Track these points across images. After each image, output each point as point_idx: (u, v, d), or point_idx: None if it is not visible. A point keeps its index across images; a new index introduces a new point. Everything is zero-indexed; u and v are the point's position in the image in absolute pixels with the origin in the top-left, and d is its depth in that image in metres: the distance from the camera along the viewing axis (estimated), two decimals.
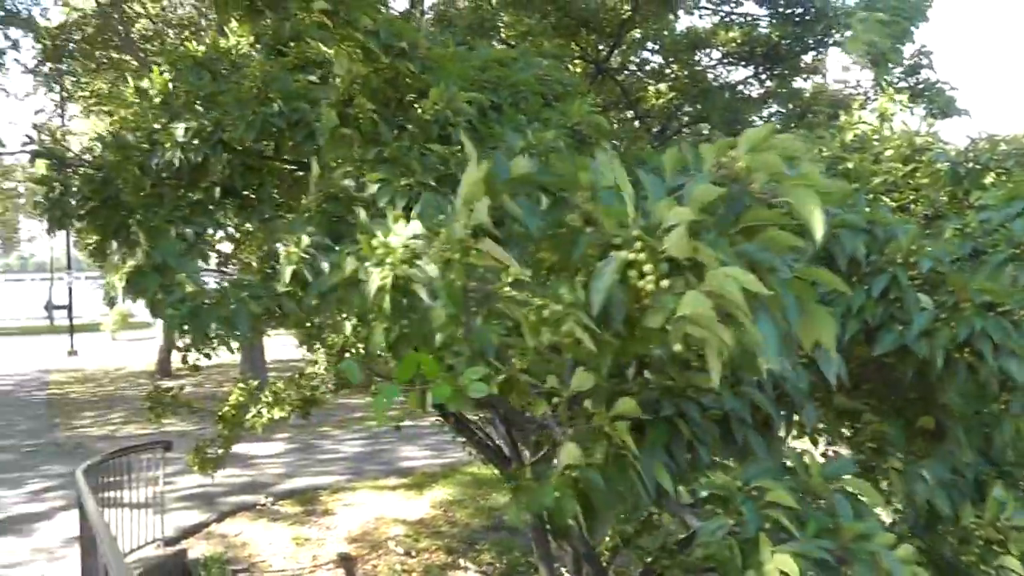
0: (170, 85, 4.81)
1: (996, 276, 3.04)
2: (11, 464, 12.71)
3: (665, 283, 1.64)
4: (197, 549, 8.35)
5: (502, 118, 4.51)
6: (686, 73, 12.13)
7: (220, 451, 7.25)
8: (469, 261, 2.13)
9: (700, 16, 12.95)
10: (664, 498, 2.43)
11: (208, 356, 6.91)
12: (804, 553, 1.97)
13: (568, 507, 2.37)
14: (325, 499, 9.73)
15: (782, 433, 2.78)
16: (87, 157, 4.97)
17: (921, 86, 9.08)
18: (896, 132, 5.43)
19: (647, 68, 12.75)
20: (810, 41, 11.96)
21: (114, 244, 4.96)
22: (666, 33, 11.84)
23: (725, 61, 12.99)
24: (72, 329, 29.91)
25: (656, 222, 1.69)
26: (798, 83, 13.12)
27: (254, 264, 5.99)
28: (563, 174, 2.05)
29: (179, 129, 4.25)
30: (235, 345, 4.06)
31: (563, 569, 6.49)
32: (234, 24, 5.47)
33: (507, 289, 2.26)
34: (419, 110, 4.03)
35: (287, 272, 3.45)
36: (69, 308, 31.53)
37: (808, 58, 12.96)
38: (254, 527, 8.81)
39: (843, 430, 3.34)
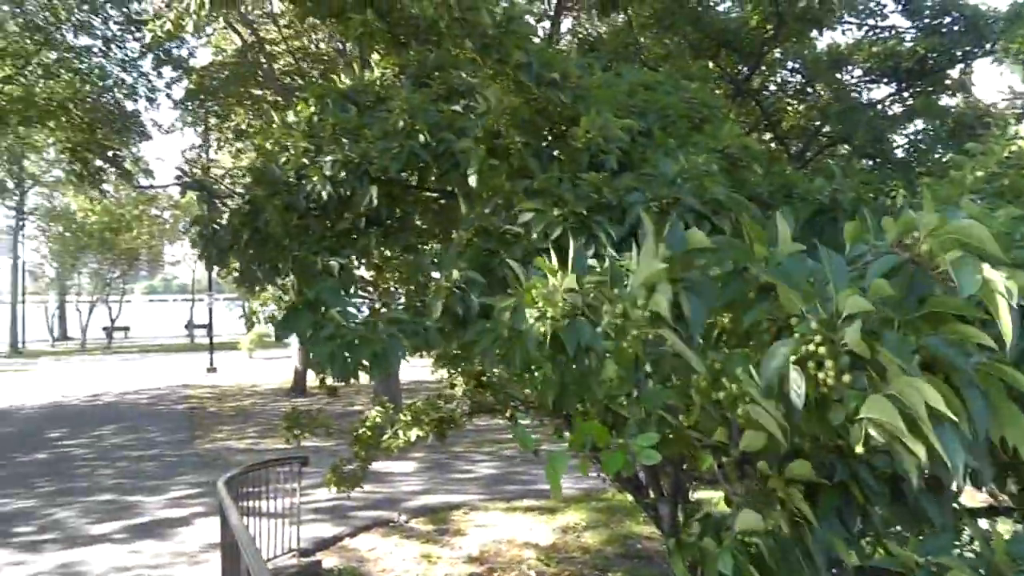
0: (315, 118, 4.87)
1: None
2: (154, 472, 13.36)
3: (846, 378, 1.55)
4: (330, 561, 8.51)
5: (651, 143, 4.37)
6: (828, 92, 11.68)
7: (357, 470, 7.33)
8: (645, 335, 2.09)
9: (843, 32, 12.46)
10: (838, 568, 2.29)
11: (345, 381, 7.05)
12: None
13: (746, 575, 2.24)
14: (457, 518, 9.74)
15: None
16: (238, 190, 5.10)
17: None
18: None
19: (787, 87, 12.36)
20: (958, 53, 11.34)
21: (259, 272, 5.08)
22: (806, 52, 11.44)
23: (867, 79, 12.46)
24: (212, 347, 31.24)
25: (837, 310, 1.60)
26: (944, 99, 12.47)
27: (393, 289, 6.02)
28: (739, 246, 1.97)
29: (326, 163, 4.28)
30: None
31: None
32: (377, 57, 5.55)
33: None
34: (570, 139, 3.94)
35: (438, 306, 3.42)
36: (209, 327, 32.99)
37: (955, 72, 12.30)
38: (386, 543, 8.89)
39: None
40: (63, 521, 10.46)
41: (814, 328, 1.60)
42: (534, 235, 3.57)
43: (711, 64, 9.79)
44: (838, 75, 12.14)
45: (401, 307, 3.71)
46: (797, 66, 11.90)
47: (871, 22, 12.15)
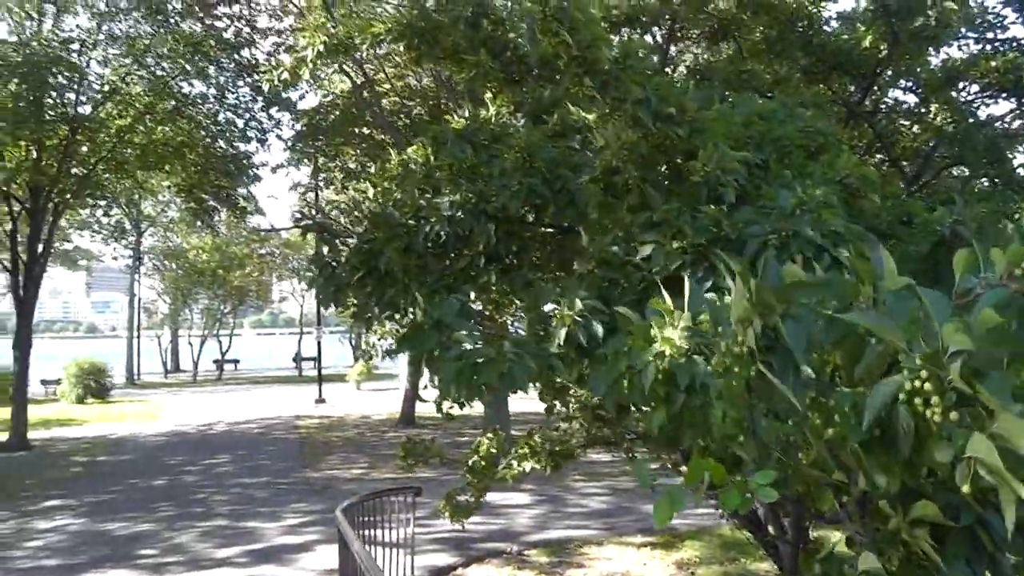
0: (431, 159, 4.98)
1: None
2: (268, 499, 13.73)
3: (953, 415, 1.53)
4: None
5: (767, 175, 4.31)
6: (944, 111, 11.26)
7: (471, 500, 7.36)
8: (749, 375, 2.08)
9: (959, 47, 12.01)
10: None
11: (462, 406, 7.10)
12: None
13: None
14: (571, 551, 9.68)
15: None
16: (355, 228, 5.24)
17: None
18: None
19: (901, 108, 11.98)
20: None
21: (377, 309, 5.19)
22: (919, 70, 11.07)
23: (985, 94, 11.98)
24: (320, 379, 32.02)
25: (942, 346, 1.56)
26: None
27: (510, 325, 6.05)
28: (844, 282, 1.98)
29: (444, 203, 4.36)
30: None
31: None
32: (489, 95, 5.63)
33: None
34: (686, 172, 3.92)
35: (561, 334, 3.45)
36: (318, 360, 33.83)
37: None
38: (501, 574, 8.89)
39: None
40: (184, 545, 10.84)
41: (919, 364, 1.59)
42: (654, 268, 3.56)
43: (822, 87, 9.58)
44: (953, 92, 11.71)
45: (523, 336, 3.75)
46: (911, 85, 11.53)
47: (990, 35, 11.69)
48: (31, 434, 21.58)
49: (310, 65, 5.86)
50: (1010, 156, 10.96)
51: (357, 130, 19.86)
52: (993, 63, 11.34)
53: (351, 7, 16.24)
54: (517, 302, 5.24)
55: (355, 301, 5.19)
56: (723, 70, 6.92)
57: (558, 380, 5.69)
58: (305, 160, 23.29)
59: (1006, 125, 12.16)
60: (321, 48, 5.92)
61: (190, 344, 51.40)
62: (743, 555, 9.10)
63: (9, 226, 21.97)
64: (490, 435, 7.43)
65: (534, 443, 6.60)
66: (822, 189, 3.94)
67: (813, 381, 2.02)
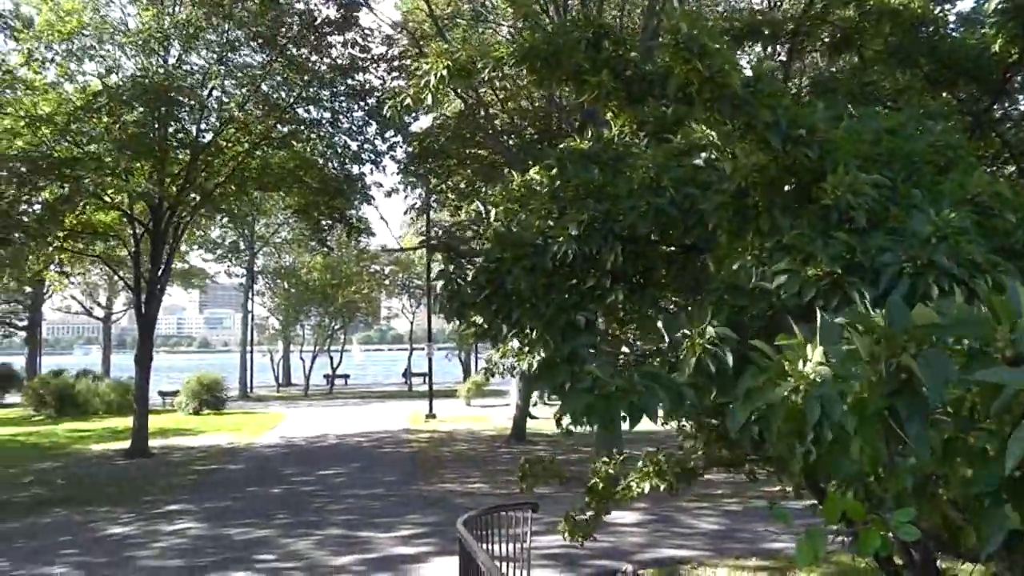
0: (556, 180, 5.08)
1: None
2: (383, 511, 14.03)
3: None
4: None
5: (896, 194, 4.24)
6: None
7: (591, 520, 7.39)
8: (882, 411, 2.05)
9: None
10: None
11: (580, 425, 7.16)
12: None
13: None
14: (685, 573, 9.59)
15: None
16: (480, 249, 5.37)
17: None
18: None
19: None
20: None
21: (503, 327, 5.31)
22: None
23: None
24: (431, 394, 32.56)
25: None
26: None
27: (633, 343, 6.09)
28: (979, 320, 1.90)
29: (572, 223, 4.45)
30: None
31: None
32: (610, 115, 5.71)
33: None
34: (815, 195, 3.90)
35: (691, 363, 3.45)
36: (429, 376, 34.37)
37: None
38: None
39: None
40: (301, 551, 11.20)
41: None
42: (785, 296, 3.54)
43: (947, 95, 9.24)
44: None
45: (655, 362, 3.77)
46: None
47: None
48: (151, 442, 22.72)
49: (433, 91, 6.02)
50: None
51: (469, 151, 20.19)
52: None
53: (466, 33, 16.59)
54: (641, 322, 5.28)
55: (480, 319, 5.32)
56: (846, 82, 6.78)
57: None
58: (417, 182, 23.79)
59: None
60: (444, 73, 6.07)
61: (302, 359, 52.99)
62: None
63: (133, 247, 23.21)
64: (606, 457, 7.46)
65: (658, 463, 6.60)
66: (956, 213, 3.86)
67: (952, 418, 1.99)
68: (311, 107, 22.64)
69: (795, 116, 3.85)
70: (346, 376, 55.23)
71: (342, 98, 22.17)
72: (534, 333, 4.92)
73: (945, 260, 3.49)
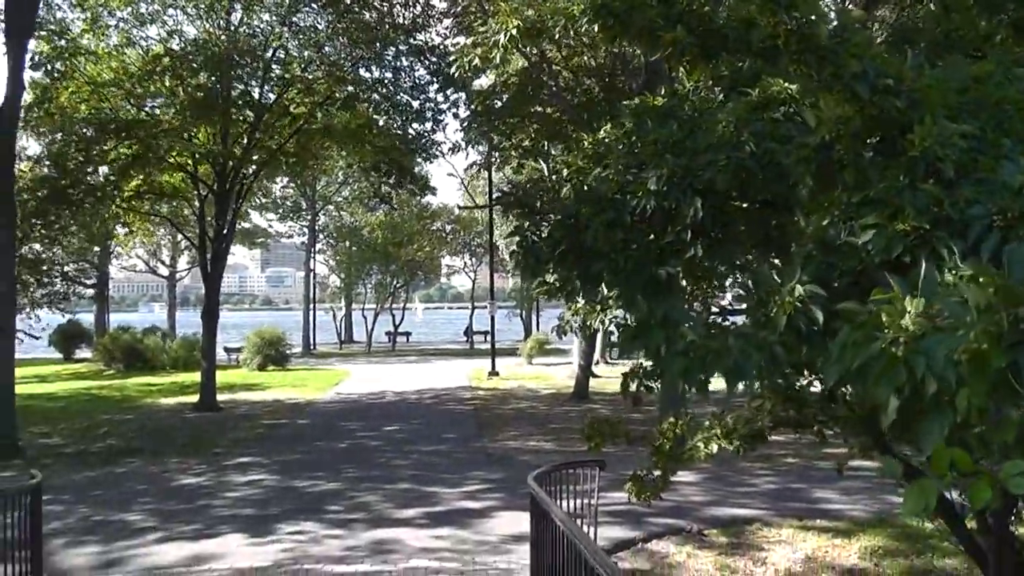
0: (633, 136, 5.05)
1: None
2: (447, 467, 14.25)
3: None
4: (626, 564, 8.62)
5: (983, 144, 4.14)
6: None
7: (659, 480, 7.40)
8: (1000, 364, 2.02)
9: None
10: None
11: (649, 390, 7.18)
12: None
13: None
14: (750, 533, 9.57)
15: None
16: (552, 206, 5.39)
17: None
18: None
19: None
20: None
21: (578, 283, 5.33)
22: None
23: None
24: (494, 352, 32.96)
25: None
26: None
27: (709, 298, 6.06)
28: None
29: (651, 178, 4.44)
30: None
31: None
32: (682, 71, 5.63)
33: None
34: (901, 147, 3.83)
35: (781, 321, 3.43)
36: (491, 333, 34.66)
37: None
38: (681, 551, 8.91)
39: None
40: (369, 504, 11.45)
41: None
42: (873, 251, 3.49)
43: None
44: None
45: (746, 321, 3.74)
46: None
47: None
48: (218, 396, 23.37)
49: (501, 50, 6.01)
50: None
51: (532, 109, 20.09)
52: None
53: None
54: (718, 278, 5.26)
55: (554, 276, 5.35)
56: (928, 31, 6.55)
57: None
58: (480, 140, 23.76)
59: None
60: (514, 32, 6.04)
61: (364, 317, 53.79)
62: (930, 549, 8.71)
63: (198, 208, 23.75)
64: (672, 419, 7.45)
65: (727, 426, 6.58)
66: None
67: None
68: (373, 66, 22.74)
69: (882, 66, 3.77)
70: (407, 333, 55.96)
71: (404, 57, 22.22)
72: (613, 290, 4.95)
73: None
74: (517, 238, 5.40)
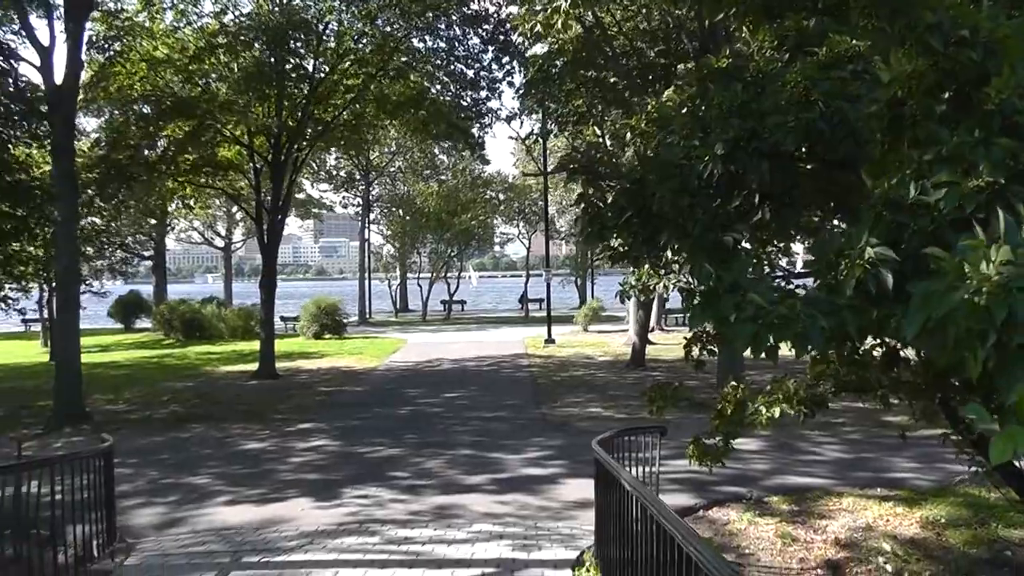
0: (697, 100, 4.99)
1: None
2: (508, 433, 14.36)
3: None
4: None
5: None
6: None
7: (720, 445, 7.37)
8: None
9: None
10: None
11: (712, 353, 7.14)
12: None
13: None
14: (811, 501, 9.48)
15: None
16: (616, 171, 5.38)
17: None
18: None
19: None
20: None
21: (643, 249, 5.31)
22: None
23: None
24: (549, 320, 33.03)
25: None
26: None
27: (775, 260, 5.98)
28: None
29: (717, 143, 4.39)
30: None
31: None
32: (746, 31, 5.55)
33: None
34: (976, 101, 3.73)
35: (850, 284, 3.38)
36: (547, 301, 34.75)
37: None
38: (741, 519, 8.88)
39: None
40: (433, 470, 11.63)
41: None
42: (946, 210, 3.42)
43: None
44: None
45: (815, 285, 3.70)
46: None
47: None
48: (277, 364, 23.87)
49: (563, 16, 5.96)
50: None
51: (588, 74, 19.91)
52: None
53: None
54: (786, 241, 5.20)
55: (619, 241, 5.33)
56: None
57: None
58: (536, 108, 23.64)
59: None
60: None
61: (419, 286, 54.24)
62: (993, 519, 8.55)
63: (254, 180, 24.11)
64: (733, 384, 7.39)
65: (787, 389, 6.50)
66: None
67: None
68: (427, 37, 22.71)
69: (958, 16, 3.67)
70: (463, 302, 56.35)
71: (457, 26, 22.14)
72: (679, 255, 4.92)
73: None
74: (583, 204, 5.39)
